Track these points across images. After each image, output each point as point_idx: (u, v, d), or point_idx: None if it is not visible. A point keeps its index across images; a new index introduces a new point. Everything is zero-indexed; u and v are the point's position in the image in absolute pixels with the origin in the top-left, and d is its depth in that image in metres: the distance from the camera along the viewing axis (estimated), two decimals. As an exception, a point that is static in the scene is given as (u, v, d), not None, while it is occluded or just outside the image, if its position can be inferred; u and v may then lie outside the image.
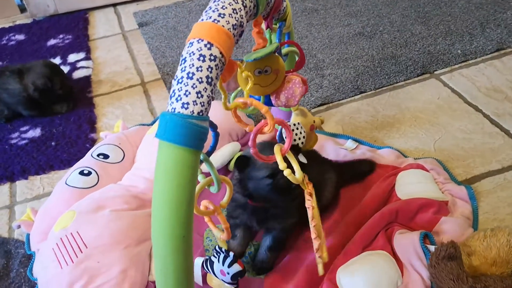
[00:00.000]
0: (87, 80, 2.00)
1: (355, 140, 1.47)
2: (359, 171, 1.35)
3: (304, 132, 1.23)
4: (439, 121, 1.53)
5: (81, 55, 2.19)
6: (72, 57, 2.18)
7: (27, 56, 2.22)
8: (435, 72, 1.76)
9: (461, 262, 0.95)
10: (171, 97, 0.76)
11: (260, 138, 1.45)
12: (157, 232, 0.78)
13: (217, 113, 0.91)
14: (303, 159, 1.17)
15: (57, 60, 2.16)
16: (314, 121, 1.27)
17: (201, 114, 0.75)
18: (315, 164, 1.19)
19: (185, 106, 0.74)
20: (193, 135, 0.74)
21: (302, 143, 1.23)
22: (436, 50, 1.86)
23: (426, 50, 1.87)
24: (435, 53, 1.84)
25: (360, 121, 1.58)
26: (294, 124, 1.21)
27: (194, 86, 0.75)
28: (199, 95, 0.75)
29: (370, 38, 2.00)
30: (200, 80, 0.75)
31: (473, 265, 1.00)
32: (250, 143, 0.88)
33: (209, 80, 0.76)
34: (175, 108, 0.75)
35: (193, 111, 0.74)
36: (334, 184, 1.24)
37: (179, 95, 0.75)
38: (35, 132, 1.71)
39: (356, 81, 1.76)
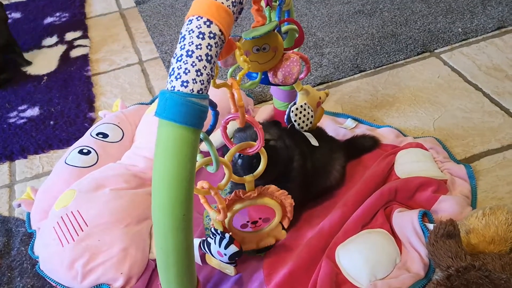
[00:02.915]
0: (84, 58, 1.98)
1: (355, 119, 1.46)
2: (362, 146, 1.35)
3: (312, 111, 1.22)
4: (438, 100, 1.53)
5: (78, 33, 2.17)
6: (69, 36, 2.16)
7: (24, 34, 2.20)
8: (435, 51, 1.74)
9: (460, 240, 0.95)
10: (170, 75, 0.76)
11: (261, 117, 1.46)
12: (158, 210, 0.78)
13: (217, 92, 0.91)
14: (314, 142, 1.17)
15: (54, 39, 2.14)
16: (320, 97, 1.27)
17: (200, 92, 0.75)
18: (322, 144, 1.20)
19: (185, 84, 0.74)
20: (193, 113, 0.74)
21: (310, 122, 1.22)
22: (437, 28, 1.84)
23: (427, 28, 1.85)
24: (435, 32, 1.83)
25: (360, 100, 1.58)
26: (302, 106, 1.20)
27: (194, 64, 0.74)
28: (199, 73, 0.74)
29: (370, 16, 1.98)
30: (199, 58, 0.75)
31: (471, 243, 1.00)
32: (221, 129, 0.91)
33: (209, 58, 0.76)
34: (174, 87, 0.74)
35: (192, 89, 0.74)
36: (342, 163, 1.25)
37: (178, 73, 0.74)
38: (34, 111, 1.71)
39: (356, 60, 1.75)
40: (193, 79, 0.74)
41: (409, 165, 1.24)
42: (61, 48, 2.07)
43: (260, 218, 1.05)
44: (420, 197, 1.16)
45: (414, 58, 1.73)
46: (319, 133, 1.26)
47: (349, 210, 1.15)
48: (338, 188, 1.25)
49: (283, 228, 1.09)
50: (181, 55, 0.75)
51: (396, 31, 1.87)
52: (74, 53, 2.03)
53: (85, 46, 2.07)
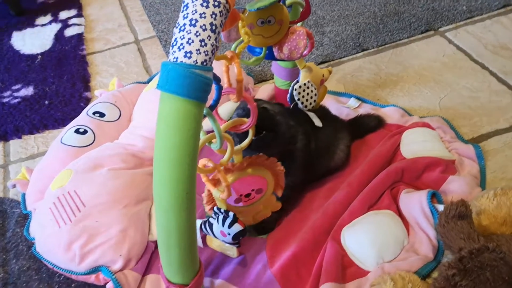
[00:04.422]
0: (79, 37, 1.93)
1: (358, 98, 1.43)
2: (367, 126, 1.31)
3: (316, 89, 1.18)
4: (444, 79, 1.49)
5: (73, 12, 2.12)
6: (63, 14, 2.11)
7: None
8: (440, 29, 1.71)
9: (472, 221, 0.92)
10: (172, 46, 0.72)
11: (261, 97, 1.42)
12: (159, 188, 0.75)
13: (218, 65, 0.87)
14: (318, 122, 1.13)
15: (48, 18, 2.09)
16: (323, 75, 1.23)
17: (205, 64, 0.71)
18: (327, 123, 1.16)
19: (188, 55, 0.70)
20: (197, 86, 0.70)
21: (314, 101, 1.19)
22: (441, 6, 1.80)
23: (430, 6, 1.81)
24: (439, 10, 1.78)
25: (363, 79, 1.54)
26: (305, 84, 1.16)
27: (197, 33, 0.70)
28: (203, 44, 0.70)
29: (372, -6, 1.94)
30: (203, 27, 0.71)
31: (482, 225, 0.97)
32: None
33: (213, 27, 0.71)
34: (177, 58, 0.70)
35: (196, 60, 0.70)
36: (347, 143, 1.21)
37: (181, 44, 0.70)
38: (28, 91, 1.66)
39: (358, 38, 1.71)
40: (197, 50, 0.70)
41: (416, 145, 1.21)
42: (56, 27, 2.02)
43: (252, 190, 1.02)
44: (428, 177, 1.13)
45: (418, 36, 1.69)
46: (323, 112, 1.22)
47: (354, 191, 1.12)
48: (343, 168, 1.21)
49: (278, 198, 1.06)
50: (184, 24, 0.71)
51: (399, 9, 1.82)
52: (69, 32, 1.98)
53: (80, 25, 2.02)
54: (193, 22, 0.70)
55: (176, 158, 0.72)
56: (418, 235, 1.03)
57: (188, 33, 0.70)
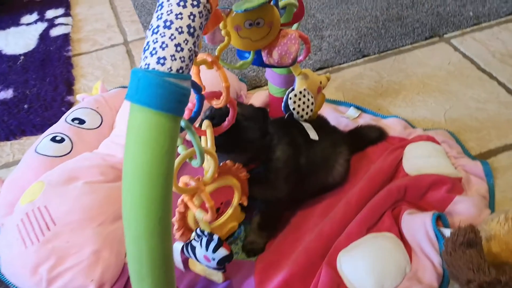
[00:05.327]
0: (65, 38, 1.85)
1: (358, 108, 1.34)
2: (367, 138, 1.23)
3: (312, 98, 1.10)
4: (449, 88, 1.41)
5: (60, 11, 2.03)
6: (50, 13, 2.03)
7: (1, 11, 2.05)
8: (445, 36, 1.63)
9: (481, 249, 0.83)
10: (144, 51, 0.63)
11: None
12: (129, 212, 0.66)
13: (205, 73, 0.78)
14: (313, 134, 1.05)
15: (34, 17, 2.00)
16: (320, 82, 1.14)
17: (180, 71, 0.62)
18: (325, 136, 1.08)
19: (161, 61, 0.61)
20: (171, 97, 0.61)
21: (311, 110, 1.10)
22: (446, 11, 1.73)
23: (435, 11, 1.73)
24: (444, 15, 1.71)
25: (363, 87, 1.45)
26: (301, 92, 1.08)
27: (173, 37, 0.61)
28: (179, 49, 0.61)
29: (374, -3, 1.86)
30: (179, 30, 0.62)
31: (492, 252, 0.88)
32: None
33: (191, 30, 0.62)
34: (149, 64, 0.61)
35: (171, 67, 0.61)
36: (346, 157, 1.13)
37: (154, 48, 0.61)
38: (7, 94, 1.57)
39: (358, 44, 1.62)
40: (171, 56, 0.61)
41: (419, 160, 1.13)
42: (41, 26, 1.94)
43: (221, 203, 0.94)
44: (433, 197, 1.05)
45: (422, 43, 1.61)
46: (320, 123, 1.14)
47: (352, 210, 1.04)
48: (341, 184, 1.12)
49: (242, 208, 1.01)
50: (158, 26, 0.62)
51: (402, 13, 1.75)
52: (55, 31, 1.89)
53: (67, 24, 1.94)
54: (168, 23, 0.61)
55: (148, 178, 0.63)
56: (421, 261, 0.94)
57: (162, 36, 0.61)
